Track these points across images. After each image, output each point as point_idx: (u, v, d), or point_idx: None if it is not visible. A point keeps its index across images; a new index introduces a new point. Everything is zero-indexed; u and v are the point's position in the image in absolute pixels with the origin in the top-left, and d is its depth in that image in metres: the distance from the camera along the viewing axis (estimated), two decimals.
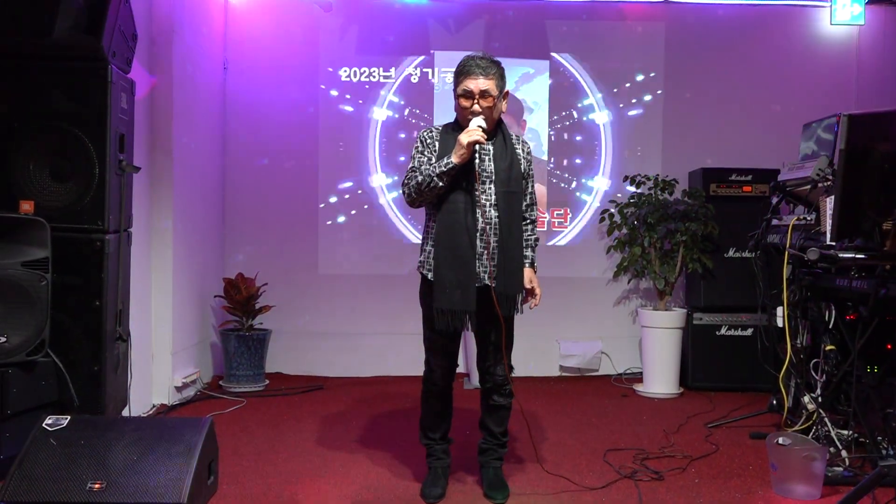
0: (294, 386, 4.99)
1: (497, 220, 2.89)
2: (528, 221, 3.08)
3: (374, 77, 5.45)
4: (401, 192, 3.02)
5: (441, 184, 2.84)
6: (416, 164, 2.95)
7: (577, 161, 5.52)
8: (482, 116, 2.87)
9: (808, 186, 3.65)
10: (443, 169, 2.82)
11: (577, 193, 5.52)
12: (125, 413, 3.40)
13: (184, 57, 4.55)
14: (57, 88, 3.08)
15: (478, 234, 2.88)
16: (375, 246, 5.46)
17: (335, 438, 3.80)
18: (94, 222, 3.08)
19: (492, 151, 2.94)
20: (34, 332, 2.88)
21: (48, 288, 2.91)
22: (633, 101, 5.52)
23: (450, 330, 2.88)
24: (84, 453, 2.62)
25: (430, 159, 2.93)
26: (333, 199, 5.45)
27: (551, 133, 5.50)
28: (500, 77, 2.93)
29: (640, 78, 5.52)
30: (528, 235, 3.07)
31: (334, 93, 5.44)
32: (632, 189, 5.15)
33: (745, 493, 3.09)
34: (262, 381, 4.94)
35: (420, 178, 2.87)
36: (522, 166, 3.01)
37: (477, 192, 2.88)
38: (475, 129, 2.81)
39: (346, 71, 5.44)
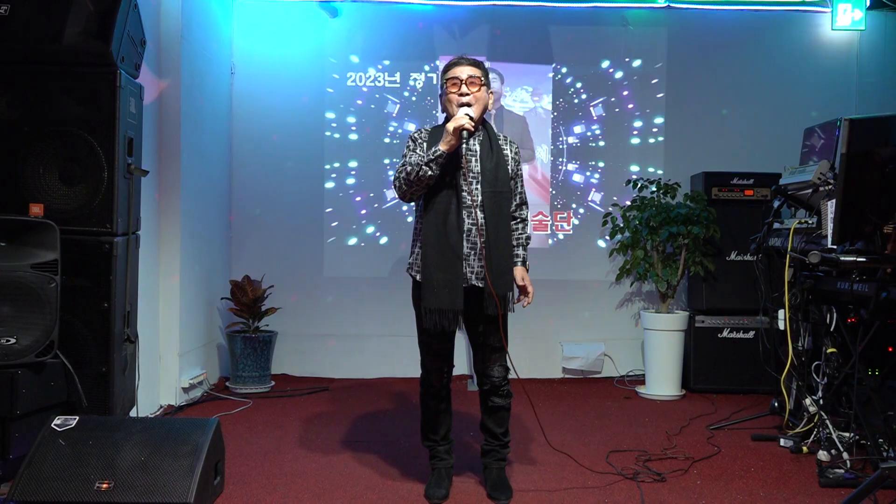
0: (299, 387, 5.02)
1: (484, 220, 2.90)
2: (518, 220, 3.10)
3: (379, 82, 5.48)
4: (392, 186, 3.02)
5: (430, 172, 2.83)
6: (406, 159, 2.96)
7: (580, 164, 5.54)
8: (470, 107, 2.90)
9: (810, 190, 3.67)
10: (430, 157, 2.83)
11: (580, 196, 5.55)
12: (132, 414, 3.43)
13: (191, 62, 4.60)
14: (66, 93, 3.12)
15: (464, 235, 2.90)
16: (380, 249, 5.49)
17: (340, 439, 3.83)
18: (103, 225, 3.11)
19: (478, 152, 2.96)
20: (43, 334, 2.91)
21: (57, 290, 2.94)
22: (636, 105, 5.55)
23: (438, 329, 2.89)
24: (92, 453, 2.65)
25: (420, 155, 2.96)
26: (339, 203, 5.49)
27: (554, 136, 5.53)
28: (486, 74, 3.00)
29: (642, 82, 5.54)
30: (519, 234, 3.09)
31: (340, 97, 5.48)
32: (634, 192, 5.18)
33: (746, 494, 3.11)
34: (268, 382, 4.98)
35: (409, 168, 2.87)
36: (510, 167, 3.03)
37: (464, 193, 2.90)
38: (461, 116, 2.84)
39: (351, 76, 5.47)
